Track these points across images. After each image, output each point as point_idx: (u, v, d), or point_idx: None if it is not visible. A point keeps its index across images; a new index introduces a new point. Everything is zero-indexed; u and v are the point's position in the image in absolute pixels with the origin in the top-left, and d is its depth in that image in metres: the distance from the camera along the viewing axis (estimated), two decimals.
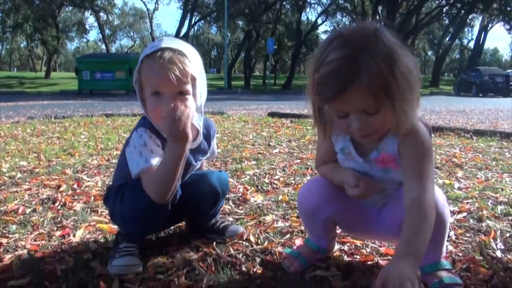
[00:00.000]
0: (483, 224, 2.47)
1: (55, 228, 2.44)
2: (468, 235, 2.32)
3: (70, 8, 55.09)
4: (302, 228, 2.38)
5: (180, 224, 2.44)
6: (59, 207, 2.82)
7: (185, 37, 48.97)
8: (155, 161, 1.87)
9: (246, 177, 3.60)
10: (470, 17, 47.56)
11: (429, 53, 76.80)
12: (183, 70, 1.85)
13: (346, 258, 2.02)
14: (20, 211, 2.72)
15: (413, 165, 1.60)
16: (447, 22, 48.88)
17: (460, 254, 2.06)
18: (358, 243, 2.18)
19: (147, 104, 1.92)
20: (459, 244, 2.19)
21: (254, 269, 1.91)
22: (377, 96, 1.44)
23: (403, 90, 1.46)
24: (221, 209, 2.68)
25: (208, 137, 2.17)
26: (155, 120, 1.93)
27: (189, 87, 1.89)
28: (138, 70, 1.91)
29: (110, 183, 2.20)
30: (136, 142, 1.91)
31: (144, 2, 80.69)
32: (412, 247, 1.48)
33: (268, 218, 2.58)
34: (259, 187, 3.31)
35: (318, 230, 1.93)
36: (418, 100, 1.55)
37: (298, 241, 2.18)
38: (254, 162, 4.23)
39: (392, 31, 1.52)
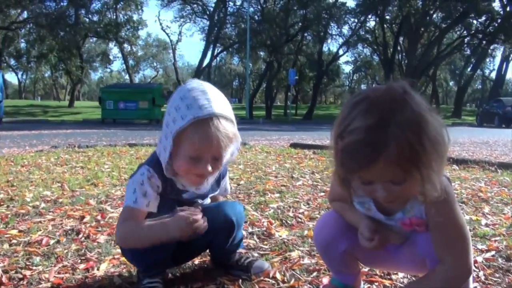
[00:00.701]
0: None
1: (79, 261, 2.43)
2: (497, 275, 2.26)
3: (95, 39, 56.15)
4: None
5: (205, 259, 2.41)
6: (82, 238, 2.81)
7: (208, 68, 49.61)
8: (143, 204, 1.90)
9: (270, 210, 3.56)
10: (491, 47, 47.39)
11: (451, 83, 76.52)
12: (231, 139, 1.88)
13: None
14: (44, 242, 2.71)
15: (440, 224, 1.55)
16: (468, 52, 48.75)
17: None
18: (387, 283, 2.13)
19: (178, 161, 1.88)
20: (488, 286, 2.14)
21: None
22: (405, 167, 1.36)
23: (431, 159, 1.38)
24: (245, 244, 2.66)
25: (217, 177, 2.17)
26: (181, 174, 1.95)
27: (225, 151, 1.92)
28: (183, 129, 1.79)
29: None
30: (136, 178, 1.94)
31: (167, 34, 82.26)
32: None
33: (294, 254, 2.54)
34: (284, 221, 3.28)
35: (338, 266, 1.89)
36: (445, 165, 1.48)
37: (325, 280, 2.14)
38: (277, 195, 4.20)
39: (420, 95, 1.43)
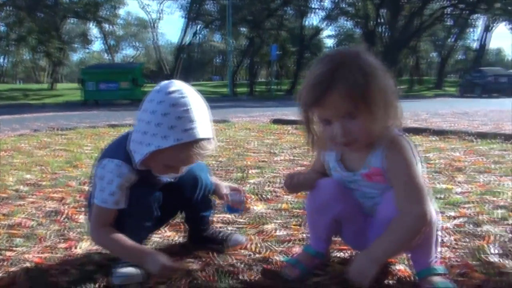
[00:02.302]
0: (481, 229, 2.49)
1: (60, 241, 2.46)
2: (465, 240, 2.34)
3: (74, 20, 55.37)
4: (302, 236, 2.41)
5: (182, 235, 2.48)
6: (63, 219, 2.84)
7: (189, 45, 49.20)
8: (112, 203, 1.91)
9: (248, 185, 3.62)
10: (473, 17, 47.48)
11: (433, 55, 76.68)
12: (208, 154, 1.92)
13: (344, 266, 2.04)
14: (25, 224, 2.75)
15: (397, 176, 1.72)
16: (450, 23, 48.84)
17: (457, 260, 2.09)
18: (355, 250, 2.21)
19: (152, 162, 1.89)
20: (457, 250, 2.21)
21: (254, 278, 1.93)
22: (355, 102, 1.59)
23: (379, 99, 1.61)
24: (222, 218, 2.73)
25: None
26: (155, 170, 1.97)
27: None
28: (163, 148, 1.79)
29: (90, 201, 2.10)
30: (107, 174, 1.92)
31: (147, 12, 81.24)
32: (375, 250, 1.71)
33: (269, 227, 2.60)
34: (261, 196, 3.34)
35: (322, 229, 1.98)
36: (396, 111, 1.69)
37: (298, 249, 2.21)
38: (257, 170, 4.26)
39: (375, 58, 1.68)
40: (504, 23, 50.41)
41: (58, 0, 43.07)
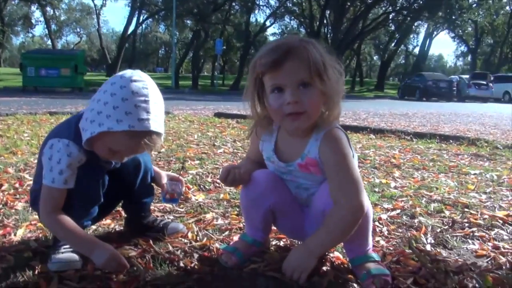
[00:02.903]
0: (416, 221, 2.59)
1: None
2: (400, 230, 2.43)
3: (16, 1, 53.54)
4: (241, 225, 2.43)
5: (120, 222, 2.47)
6: (0, 206, 2.80)
7: (133, 35, 48.45)
8: (61, 183, 1.89)
9: (189, 176, 3.63)
10: (416, 24, 48.76)
11: (375, 57, 78.42)
12: (155, 149, 1.94)
13: (281, 253, 2.08)
14: None
15: (333, 168, 1.76)
16: (393, 28, 50.01)
17: (391, 248, 2.16)
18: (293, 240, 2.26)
19: (96, 144, 1.87)
20: (391, 239, 2.29)
21: (192, 265, 1.94)
22: (309, 71, 1.65)
23: (331, 79, 1.69)
24: (161, 208, 2.74)
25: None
26: (99, 152, 1.94)
27: None
28: (114, 131, 1.79)
29: (32, 185, 2.15)
30: (53, 155, 1.90)
31: None
32: (313, 242, 1.77)
33: (208, 216, 2.62)
34: (202, 186, 3.35)
35: (257, 220, 2.00)
36: (340, 102, 1.77)
37: (236, 238, 2.22)
38: (197, 162, 4.25)
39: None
40: (445, 31, 52.06)
41: None
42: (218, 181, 3.48)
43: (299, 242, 2.15)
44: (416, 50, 64.27)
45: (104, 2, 65.64)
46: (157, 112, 1.84)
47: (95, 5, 65.09)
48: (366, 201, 1.76)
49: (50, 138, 1.94)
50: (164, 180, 2.32)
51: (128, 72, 1.87)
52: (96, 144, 1.87)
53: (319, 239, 1.75)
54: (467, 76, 36.68)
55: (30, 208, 2.69)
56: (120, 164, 2.14)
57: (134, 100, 1.78)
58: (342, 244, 1.95)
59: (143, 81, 1.84)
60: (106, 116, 1.78)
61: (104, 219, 2.45)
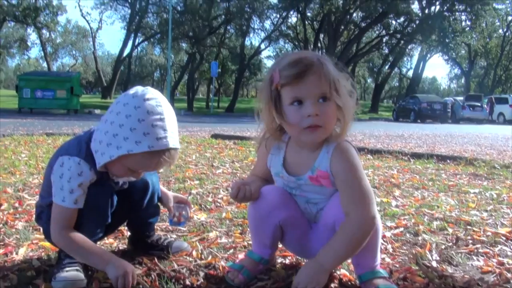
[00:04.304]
0: (419, 238, 2.59)
1: None
2: (404, 248, 2.43)
3: (12, 23, 53.72)
4: (245, 244, 2.43)
5: (123, 241, 2.46)
6: (0, 225, 2.77)
7: (128, 58, 48.68)
8: (71, 202, 1.89)
9: (189, 196, 3.62)
10: (409, 47, 49.21)
11: (369, 80, 78.97)
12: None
13: (288, 270, 2.07)
14: None
15: (345, 181, 1.76)
16: (386, 51, 50.46)
17: (397, 265, 2.16)
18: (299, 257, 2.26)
19: (115, 165, 1.88)
20: (396, 256, 2.29)
21: (198, 283, 1.92)
22: (329, 86, 1.68)
23: (345, 95, 1.73)
24: (164, 227, 2.73)
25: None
26: (114, 174, 1.97)
27: None
28: (134, 153, 1.80)
29: (38, 200, 2.13)
30: (66, 172, 1.89)
31: (87, 21, 79.98)
32: (324, 256, 1.74)
33: (212, 235, 2.61)
34: (203, 206, 3.34)
35: (265, 236, 1.99)
36: (353, 113, 1.79)
37: (242, 256, 2.22)
38: (197, 182, 4.25)
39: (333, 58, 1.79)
40: (439, 54, 52.53)
41: None
42: (219, 200, 3.48)
43: (305, 260, 2.14)
44: (410, 73, 64.71)
45: (100, 25, 66.36)
46: (172, 128, 1.86)
47: (91, 28, 65.69)
48: (377, 213, 1.76)
49: (60, 155, 1.94)
50: (171, 202, 2.32)
51: (139, 90, 1.86)
52: (114, 166, 1.88)
53: (331, 253, 1.74)
54: (461, 98, 36.98)
55: (31, 228, 2.68)
56: (128, 185, 2.14)
57: (150, 119, 1.79)
58: (350, 260, 1.94)
59: (156, 98, 1.84)
60: (124, 139, 1.79)
61: (106, 238, 2.44)
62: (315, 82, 1.67)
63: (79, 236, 1.91)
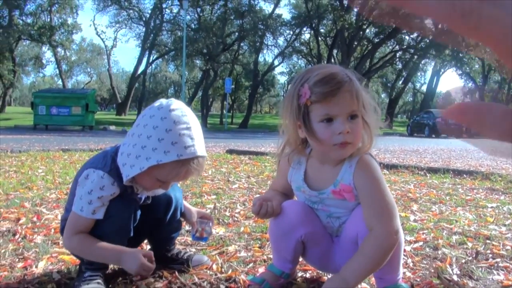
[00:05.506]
0: (439, 252, 2.58)
1: (17, 260, 2.40)
2: (425, 262, 2.43)
3: (28, 42, 54.39)
4: (265, 257, 2.43)
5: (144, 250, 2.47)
6: (19, 239, 2.78)
7: (143, 75, 49.05)
8: (89, 213, 1.91)
9: (207, 210, 3.63)
10: (423, 62, 49.07)
11: (383, 95, 78.74)
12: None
13: (308, 284, 2.08)
14: None
15: (369, 194, 1.77)
16: (400, 66, 50.37)
17: (418, 279, 2.15)
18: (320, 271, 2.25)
19: (144, 178, 1.91)
20: (417, 271, 2.28)
21: None
22: (358, 103, 1.70)
23: (371, 110, 1.75)
24: (183, 240, 2.74)
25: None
26: (143, 187, 2.00)
27: None
28: (164, 163, 1.83)
29: (64, 213, 2.17)
30: (88, 184, 1.93)
31: (102, 39, 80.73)
32: (348, 271, 1.71)
33: (231, 249, 2.61)
34: (220, 220, 3.36)
35: (287, 251, 1.98)
36: (378, 129, 1.81)
37: (262, 269, 2.23)
38: (214, 196, 4.27)
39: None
40: (452, 68, 52.33)
41: (13, 21, 42.21)
42: (236, 215, 3.48)
43: (328, 274, 2.14)
44: (424, 88, 64.52)
45: (114, 43, 66.93)
46: (199, 137, 1.90)
47: (105, 46, 66.24)
48: (400, 227, 1.76)
49: (86, 168, 1.98)
50: (195, 218, 2.36)
51: (163, 102, 1.91)
52: (143, 178, 1.90)
53: (355, 268, 1.72)
54: None
55: (50, 242, 2.71)
56: (151, 200, 2.16)
57: (177, 129, 1.82)
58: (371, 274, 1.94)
59: (181, 108, 1.88)
60: (152, 149, 1.82)
61: None
62: (347, 100, 1.68)
63: (87, 236, 1.95)
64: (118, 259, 1.93)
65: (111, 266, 2.24)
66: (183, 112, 1.87)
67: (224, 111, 45.40)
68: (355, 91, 1.69)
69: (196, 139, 1.87)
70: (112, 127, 28.25)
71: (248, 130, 35.79)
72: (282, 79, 74.42)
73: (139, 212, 2.09)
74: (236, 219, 3.41)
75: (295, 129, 1.80)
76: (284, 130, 1.86)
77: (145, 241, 2.48)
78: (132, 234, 2.07)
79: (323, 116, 1.70)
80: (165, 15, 46.49)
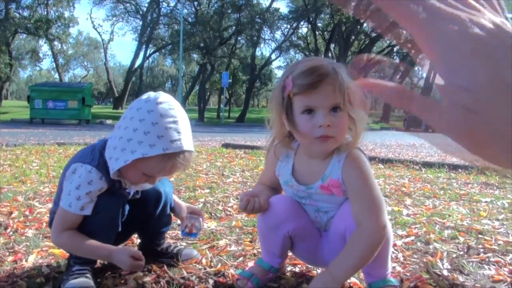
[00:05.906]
0: (431, 247, 2.58)
1: (7, 254, 2.39)
2: (415, 256, 2.42)
3: (24, 35, 54.21)
4: (255, 252, 2.42)
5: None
6: (10, 233, 2.76)
7: (140, 69, 49.02)
8: (77, 208, 1.89)
9: (199, 204, 3.63)
10: (420, 56, 49.04)
11: None
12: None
13: (297, 278, 2.07)
14: None
15: (357, 189, 1.75)
16: (397, 60, 50.40)
17: (408, 274, 2.14)
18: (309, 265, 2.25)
19: (130, 171, 1.89)
20: (407, 265, 2.27)
21: None
22: (342, 96, 1.65)
23: (358, 104, 1.65)
24: (174, 234, 2.73)
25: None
26: (128, 180, 1.98)
27: None
28: (149, 157, 1.80)
29: (52, 206, 2.14)
30: (76, 179, 1.91)
31: (99, 33, 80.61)
32: (336, 267, 1.70)
33: (222, 243, 2.61)
34: (213, 214, 3.34)
35: (275, 247, 1.98)
36: (365, 124, 1.75)
37: (251, 264, 2.21)
38: (207, 190, 4.26)
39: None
40: None
41: (9, 15, 42.07)
42: (229, 209, 3.48)
43: (318, 268, 2.13)
44: (421, 82, 64.60)
45: (111, 36, 66.83)
46: (186, 131, 1.87)
47: (102, 40, 66.17)
48: (388, 222, 1.75)
49: (74, 162, 1.95)
50: (184, 213, 2.32)
51: (151, 95, 1.88)
52: (129, 171, 1.89)
53: (343, 263, 1.70)
54: None
55: (41, 235, 2.70)
56: (140, 195, 2.14)
57: (163, 122, 1.79)
58: None
59: (168, 101, 1.85)
60: (138, 143, 1.79)
61: None
62: (329, 92, 1.65)
63: (76, 233, 1.93)
64: (108, 255, 1.91)
65: (99, 260, 2.23)
66: (171, 105, 1.84)
67: (221, 105, 45.40)
68: (340, 84, 1.64)
69: (183, 133, 1.84)
70: (109, 121, 28.22)
71: (245, 124, 35.81)
72: (280, 73, 74.30)
73: (127, 207, 2.07)
74: (228, 213, 3.40)
75: (281, 122, 1.77)
76: (271, 123, 1.83)
77: (135, 235, 2.47)
78: (120, 229, 2.05)
79: (303, 107, 1.68)
80: (162, 9, 46.55)
